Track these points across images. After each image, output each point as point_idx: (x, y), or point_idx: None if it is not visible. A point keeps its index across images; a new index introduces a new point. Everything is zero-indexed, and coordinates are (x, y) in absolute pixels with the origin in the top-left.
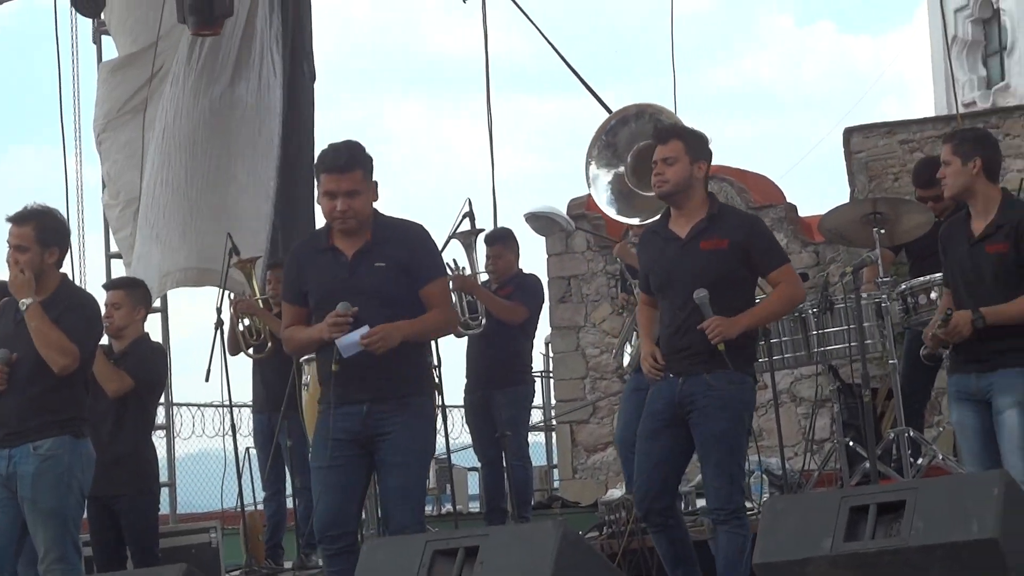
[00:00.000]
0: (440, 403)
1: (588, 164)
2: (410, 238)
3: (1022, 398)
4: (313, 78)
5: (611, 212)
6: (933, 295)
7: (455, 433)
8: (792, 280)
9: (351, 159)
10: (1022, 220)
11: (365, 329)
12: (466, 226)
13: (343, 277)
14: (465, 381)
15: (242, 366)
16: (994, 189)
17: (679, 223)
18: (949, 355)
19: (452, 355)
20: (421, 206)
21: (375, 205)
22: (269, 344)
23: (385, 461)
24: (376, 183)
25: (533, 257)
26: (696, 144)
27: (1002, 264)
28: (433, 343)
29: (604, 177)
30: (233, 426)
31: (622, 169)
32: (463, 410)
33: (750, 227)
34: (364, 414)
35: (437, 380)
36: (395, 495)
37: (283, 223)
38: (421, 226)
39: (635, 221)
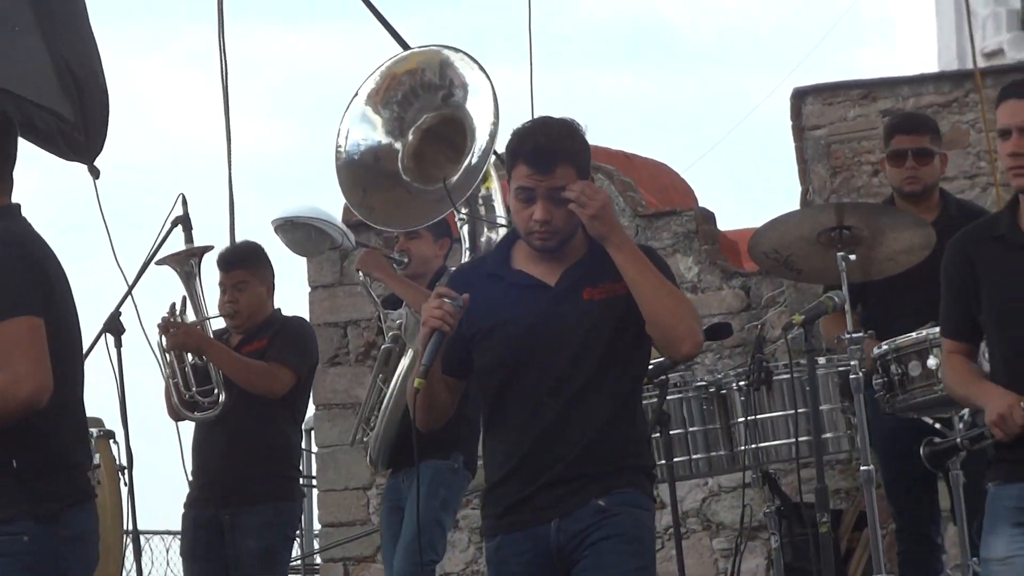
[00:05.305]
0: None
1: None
2: None
3: None
4: None
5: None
6: (932, 362)
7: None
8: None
9: None
10: None
11: None
12: (179, 242)
13: None
14: (188, 492)
15: None
16: None
17: None
18: (994, 458)
19: (168, 446)
20: (115, 197)
21: None
22: None
23: None
24: None
25: (288, 291)
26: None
27: None
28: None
29: (370, 132)
30: None
31: (397, 145)
32: (179, 538)
33: None
34: None
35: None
36: None
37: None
38: None
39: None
